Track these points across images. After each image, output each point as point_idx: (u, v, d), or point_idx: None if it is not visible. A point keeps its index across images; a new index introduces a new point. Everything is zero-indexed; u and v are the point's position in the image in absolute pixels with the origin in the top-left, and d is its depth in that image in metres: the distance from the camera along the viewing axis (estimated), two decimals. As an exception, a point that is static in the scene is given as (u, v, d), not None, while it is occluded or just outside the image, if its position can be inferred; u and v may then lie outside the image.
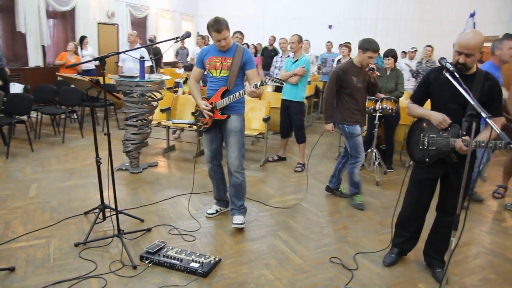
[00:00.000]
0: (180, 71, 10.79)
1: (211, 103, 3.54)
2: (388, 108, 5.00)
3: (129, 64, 6.89)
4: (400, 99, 5.62)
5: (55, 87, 7.01)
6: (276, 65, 6.86)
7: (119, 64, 7.24)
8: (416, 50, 10.94)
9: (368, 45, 3.98)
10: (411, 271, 3.13)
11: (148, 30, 12.77)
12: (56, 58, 9.12)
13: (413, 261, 3.24)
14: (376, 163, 5.18)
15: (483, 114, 1.99)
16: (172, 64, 13.79)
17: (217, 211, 3.97)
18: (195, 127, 5.77)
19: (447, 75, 2.44)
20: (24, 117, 6.12)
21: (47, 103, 7.08)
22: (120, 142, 6.40)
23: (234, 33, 6.76)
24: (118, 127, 7.52)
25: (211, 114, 3.51)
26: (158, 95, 5.17)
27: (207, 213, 3.94)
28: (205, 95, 3.67)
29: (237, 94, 3.41)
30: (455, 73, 2.40)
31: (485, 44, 8.91)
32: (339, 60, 8.27)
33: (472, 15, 9.31)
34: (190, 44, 15.23)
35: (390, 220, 3.97)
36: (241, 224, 3.63)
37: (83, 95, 6.87)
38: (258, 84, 3.29)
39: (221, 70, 3.50)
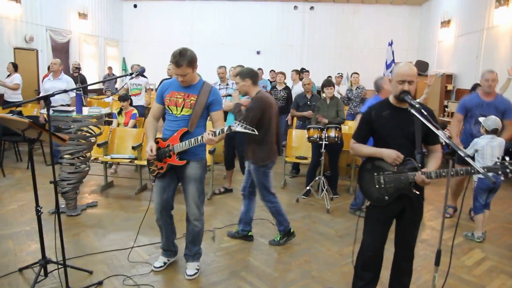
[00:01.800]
0: (109, 99, 10.28)
1: (167, 145, 3.19)
2: (334, 136, 5.13)
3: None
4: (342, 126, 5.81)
5: (-32, 122, 6.21)
6: None
7: (41, 95, 6.64)
8: (341, 76, 11.54)
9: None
10: (379, 302, 3.14)
11: (71, 56, 12.02)
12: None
13: (379, 292, 3.26)
14: (324, 190, 5.26)
15: (461, 154, 2.06)
16: (98, 92, 13.11)
17: (165, 263, 3.55)
18: (136, 161, 5.49)
19: (413, 111, 2.51)
20: None
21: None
22: (50, 180, 5.85)
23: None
24: (45, 163, 6.86)
25: (154, 160, 3.24)
26: (97, 130, 4.79)
27: (155, 267, 3.49)
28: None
29: (199, 138, 3.05)
30: (422, 110, 2.47)
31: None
32: (274, 87, 8.39)
33: (390, 44, 10.05)
34: (117, 71, 14.67)
35: (347, 250, 4.05)
36: (194, 275, 3.39)
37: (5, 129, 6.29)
38: (218, 131, 3.00)
39: (182, 107, 3.16)
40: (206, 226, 4.36)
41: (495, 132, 4.28)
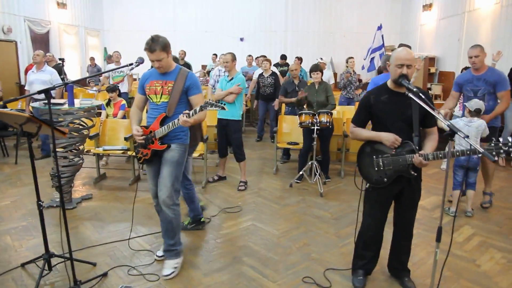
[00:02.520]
0: (93, 91, 10.13)
1: (150, 132, 3.25)
2: (325, 121, 5.20)
3: (38, 87, 6.29)
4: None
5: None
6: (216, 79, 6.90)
7: (26, 88, 6.55)
8: (323, 61, 11.57)
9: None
10: (379, 280, 3.26)
11: (51, 47, 11.74)
12: None
13: (378, 272, 3.36)
14: (317, 174, 5.35)
15: (461, 135, 2.15)
16: (81, 83, 12.86)
17: None
18: (129, 152, 5.48)
19: (411, 95, 2.59)
20: None
21: None
22: (41, 175, 5.80)
23: None
24: (34, 157, 6.74)
25: (142, 140, 3.26)
26: (89, 122, 4.75)
27: (157, 256, 3.51)
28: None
29: (175, 121, 3.10)
30: (420, 94, 2.55)
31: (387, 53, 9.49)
32: (261, 74, 8.41)
33: (379, 28, 10.09)
34: (99, 61, 14.40)
35: (344, 232, 4.17)
36: (170, 274, 3.25)
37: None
38: (191, 112, 3.02)
39: (161, 95, 3.23)
40: (204, 214, 4.43)
41: (478, 112, 4.42)
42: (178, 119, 3.08)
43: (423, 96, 2.58)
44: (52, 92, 6.46)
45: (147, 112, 3.46)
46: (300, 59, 10.47)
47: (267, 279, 3.25)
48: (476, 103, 4.42)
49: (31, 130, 3.00)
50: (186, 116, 3.02)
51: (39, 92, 2.51)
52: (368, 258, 3.17)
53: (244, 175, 5.51)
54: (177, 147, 3.29)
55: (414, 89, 2.61)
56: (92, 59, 13.05)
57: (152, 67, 3.27)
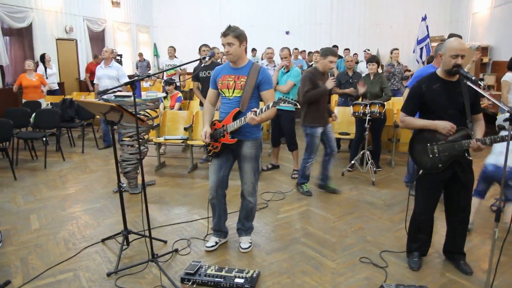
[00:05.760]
0: (147, 84, 10.64)
1: (223, 126, 3.32)
2: (376, 112, 5.29)
3: (105, 82, 6.77)
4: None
5: (28, 110, 6.66)
6: None
7: (95, 82, 7.04)
8: (370, 52, 11.50)
9: (328, 51, 4.59)
10: (435, 263, 3.37)
11: (106, 44, 12.44)
12: (15, 78, 8.69)
13: (433, 254, 3.48)
14: (369, 163, 5.46)
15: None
16: (131, 78, 13.51)
17: (216, 243, 3.66)
18: (188, 141, 5.82)
19: (469, 83, 2.69)
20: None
21: (21, 127, 6.72)
22: (106, 163, 6.29)
23: (201, 46, 6.57)
24: (97, 147, 7.29)
25: (210, 141, 3.36)
26: (153, 113, 5.11)
27: (206, 247, 3.62)
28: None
29: (245, 118, 3.15)
30: (478, 82, 2.65)
31: (433, 44, 9.50)
32: (311, 66, 8.56)
33: (424, 19, 9.93)
34: (149, 56, 15.01)
35: (397, 217, 4.28)
36: (249, 248, 3.60)
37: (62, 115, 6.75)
38: (259, 110, 3.05)
39: (234, 89, 3.28)
40: (259, 200, 4.66)
41: None
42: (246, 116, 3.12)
43: (481, 84, 2.67)
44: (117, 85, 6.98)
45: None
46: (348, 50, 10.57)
47: (326, 258, 3.44)
48: None
49: (113, 119, 3.33)
50: (254, 114, 3.05)
51: (126, 84, 2.81)
52: (422, 241, 3.30)
53: (297, 163, 5.70)
54: (253, 143, 3.37)
55: (473, 78, 2.71)
56: (140, 54, 13.65)
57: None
